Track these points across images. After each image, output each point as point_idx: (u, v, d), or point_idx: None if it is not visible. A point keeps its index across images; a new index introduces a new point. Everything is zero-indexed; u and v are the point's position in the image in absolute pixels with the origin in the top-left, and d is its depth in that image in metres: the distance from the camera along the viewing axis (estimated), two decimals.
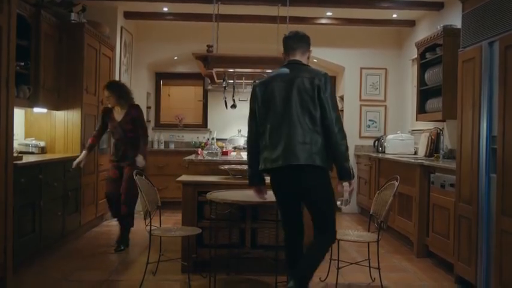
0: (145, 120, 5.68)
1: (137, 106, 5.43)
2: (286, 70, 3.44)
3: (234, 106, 6.61)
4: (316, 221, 3.41)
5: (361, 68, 8.27)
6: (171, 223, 6.16)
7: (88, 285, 4.13)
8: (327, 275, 4.18)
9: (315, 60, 8.22)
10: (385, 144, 7.30)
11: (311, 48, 3.61)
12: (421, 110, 6.33)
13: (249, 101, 3.52)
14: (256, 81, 3.76)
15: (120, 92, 5.34)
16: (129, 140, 5.30)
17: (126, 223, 5.36)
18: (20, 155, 4.62)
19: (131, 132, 5.29)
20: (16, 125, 4.56)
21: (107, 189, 5.41)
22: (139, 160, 5.22)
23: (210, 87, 8.33)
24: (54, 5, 5.61)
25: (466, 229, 4.09)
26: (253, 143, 3.46)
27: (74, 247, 5.25)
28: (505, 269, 3.54)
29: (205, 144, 5.92)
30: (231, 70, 5.99)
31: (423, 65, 6.27)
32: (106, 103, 5.55)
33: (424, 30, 7.08)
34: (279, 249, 4.17)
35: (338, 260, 3.97)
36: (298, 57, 3.51)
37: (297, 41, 3.52)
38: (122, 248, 5.24)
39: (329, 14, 7.47)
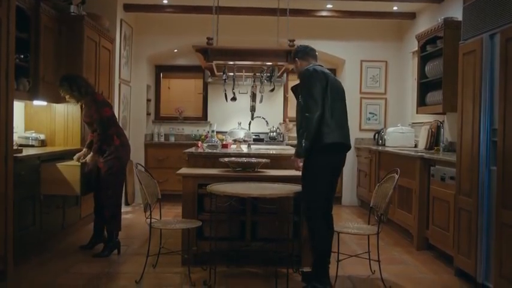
0: (104, 108, 4.84)
1: (91, 94, 4.88)
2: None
3: (234, 99, 6.59)
4: (332, 199, 3.99)
5: (362, 61, 8.25)
6: (171, 216, 6.16)
7: (88, 278, 4.14)
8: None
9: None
10: (385, 137, 7.30)
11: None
12: (421, 102, 6.32)
13: (311, 83, 3.82)
14: (314, 67, 3.99)
15: (70, 86, 4.81)
16: (96, 134, 4.84)
17: (110, 227, 4.85)
18: (20, 148, 4.62)
19: (92, 125, 4.87)
20: (16, 118, 4.55)
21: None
22: (88, 158, 4.84)
23: (210, 79, 8.31)
24: None
25: (466, 222, 4.10)
26: (318, 120, 3.76)
27: (74, 240, 5.26)
28: (504, 262, 3.54)
29: (205, 136, 5.90)
30: (231, 63, 5.96)
31: (424, 58, 6.26)
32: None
33: (425, 23, 7.05)
34: (280, 241, 4.18)
35: (338, 253, 3.97)
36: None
37: (315, 52, 4.21)
38: (106, 252, 4.77)
39: (329, 6, 7.45)
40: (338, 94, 3.92)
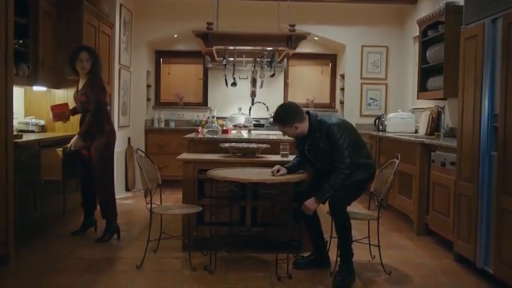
0: (103, 93, 4.84)
1: (96, 76, 4.84)
2: None
3: (234, 84, 6.57)
4: None
5: (363, 46, 8.21)
6: (172, 201, 6.17)
7: (89, 263, 4.15)
8: (327, 252, 4.20)
9: (316, 38, 8.16)
10: (385, 122, 7.29)
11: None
12: (422, 88, 6.30)
13: (343, 137, 3.79)
14: (338, 120, 3.99)
15: (95, 59, 4.83)
16: (87, 116, 4.76)
17: (104, 213, 4.85)
18: (20, 133, 4.61)
19: (86, 105, 4.76)
20: (16, 103, 4.54)
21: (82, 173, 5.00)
22: (72, 140, 4.73)
23: (210, 65, 8.29)
24: None
25: (466, 207, 4.10)
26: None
27: (75, 225, 5.26)
28: (504, 247, 3.55)
29: (206, 122, 5.89)
30: (232, 48, 5.93)
31: (425, 43, 6.23)
32: (79, 66, 4.79)
33: (426, 8, 7.00)
34: (280, 227, 4.20)
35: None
36: None
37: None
38: (107, 237, 4.79)
39: None
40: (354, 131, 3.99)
